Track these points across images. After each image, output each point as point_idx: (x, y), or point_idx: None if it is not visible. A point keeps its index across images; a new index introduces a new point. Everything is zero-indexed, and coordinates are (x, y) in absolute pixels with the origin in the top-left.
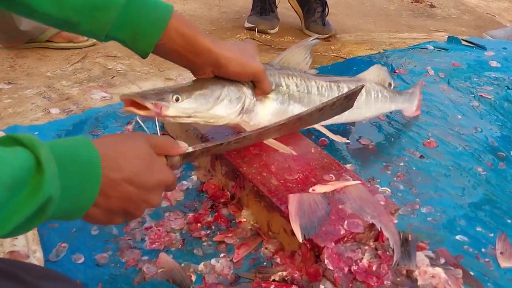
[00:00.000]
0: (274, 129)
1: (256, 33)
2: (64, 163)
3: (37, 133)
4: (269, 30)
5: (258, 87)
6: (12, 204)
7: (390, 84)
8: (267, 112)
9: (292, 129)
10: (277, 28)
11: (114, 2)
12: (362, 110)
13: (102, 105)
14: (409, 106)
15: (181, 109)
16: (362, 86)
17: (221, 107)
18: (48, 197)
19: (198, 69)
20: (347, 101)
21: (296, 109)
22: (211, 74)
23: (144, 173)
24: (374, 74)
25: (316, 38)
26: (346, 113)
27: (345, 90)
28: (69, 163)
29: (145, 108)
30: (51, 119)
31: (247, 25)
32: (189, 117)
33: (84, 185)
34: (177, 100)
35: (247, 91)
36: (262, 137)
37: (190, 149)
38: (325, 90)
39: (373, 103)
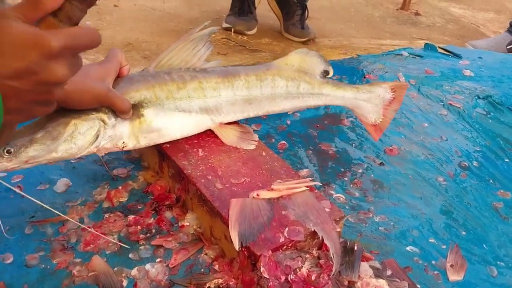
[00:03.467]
0: None
1: (232, 33)
2: None
3: None
4: (246, 31)
5: (114, 109)
6: None
7: (325, 72)
8: (149, 127)
9: None
10: (255, 30)
11: None
12: (279, 101)
13: None
14: (363, 111)
15: (16, 161)
16: None
17: (67, 145)
18: None
19: None
20: None
21: (185, 118)
22: None
23: (14, 55)
24: (295, 60)
25: (212, 28)
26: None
27: (242, 85)
28: None
29: None
30: None
31: (224, 25)
32: (32, 164)
33: None
34: (8, 152)
35: (101, 116)
36: None
37: None
38: (217, 89)
39: (290, 94)
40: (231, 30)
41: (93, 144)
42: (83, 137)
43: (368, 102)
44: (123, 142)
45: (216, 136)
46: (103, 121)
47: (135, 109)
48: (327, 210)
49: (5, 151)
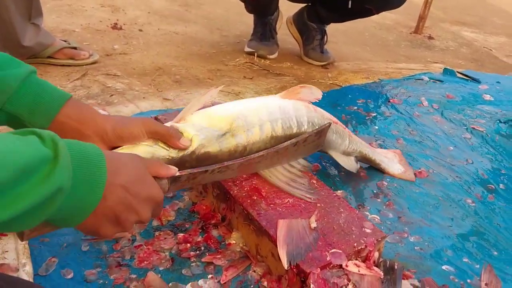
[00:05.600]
0: (254, 160)
1: (255, 57)
2: (76, 160)
3: None
4: (268, 56)
5: (167, 140)
6: (23, 187)
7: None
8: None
9: (270, 163)
10: (276, 54)
11: (12, 77)
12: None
13: None
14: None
15: None
16: (330, 124)
17: None
18: (59, 186)
19: (85, 142)
20: (317, 137)
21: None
22: (100, 145)
23: (138, 183)
24: None
25: (219, 88)
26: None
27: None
28: (80, 161)
29: None
30: None
31: (247, 49)
32: None
33: (91, 186)
34: None
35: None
36: (245, 168)
37: (178, 173)
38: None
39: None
40: (253, 55)
41: None
42: None
43: None
44: None
45: None
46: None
47: None
48: (368, 231)
49: None
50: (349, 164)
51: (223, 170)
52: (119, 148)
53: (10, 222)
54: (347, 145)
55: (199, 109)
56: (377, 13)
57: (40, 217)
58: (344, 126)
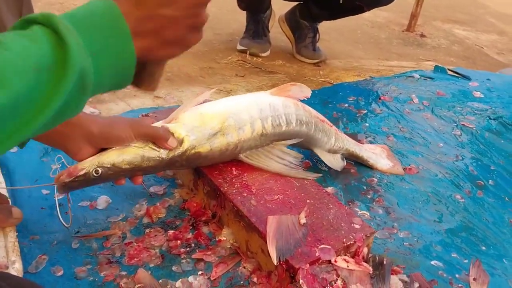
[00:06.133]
0: None
1: (247, 55)
2: (85, 28)
3: None
4: (260, 54)
5: (156, 141)
6: (46, 86)
7: None
8: None
9: None
10: (268, 52)
11: None
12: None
13: None
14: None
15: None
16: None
17: None
18: (80, 69)
19: (72, 145)
20: None
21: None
22: (86, 148)
23: None
24: None
25: (211, 91)
26: None
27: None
28: (89, 25)
29: None
30: None
31: (239, 47)
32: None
33: (116, 40)
34: (96, 173)
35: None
36: None
37: None
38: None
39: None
40: (245, 52)
41: None
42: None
43: None
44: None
45: None
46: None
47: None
48: (357, 226)
49: (94, 172)
50: (335, 162)
51: None
52: (108, 150)
53: (52, 121)
54: (333, 143)
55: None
56: (368, 9)
57: (80, 104)
58: (331, 124)
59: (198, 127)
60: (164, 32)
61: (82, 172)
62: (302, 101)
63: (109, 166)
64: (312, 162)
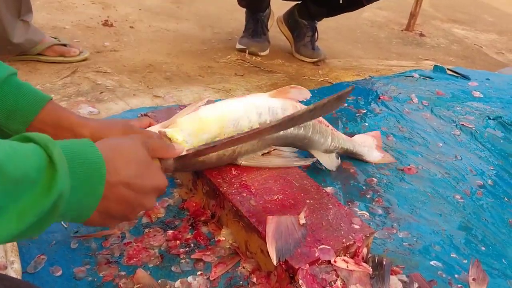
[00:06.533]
0: (266, 130)
1: (246, 54)
2: (73, 164)
3: None
4: (259, 52)
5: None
6: (25, 200)
7: None
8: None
9: (285, 127)
10: (267, 51)
11: None
12: None
13: None
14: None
15: None
16: (353, 87)
17: None
18: (60, 193)
19: None
20: (337, 101)
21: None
22: None
23: (141, 176)
24: None
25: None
26: None
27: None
28: (77, 164)
29: None
30: None
31: (238, 46)
32: None
33: (91, 187)
34: None
35: None
36: (255, 136)
37: (184, 152)
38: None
39: None
40: (245, 51)
41: None
42: None
43: None
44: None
45: None
46: None
47: None
48: (357, 227)
49: None
50: (330, 162)
51: (232, 142)
52: None
53: (18, 235)
54: (329, 143)
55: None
56: (367, 3)
57: (46, 224)
58: (327, 124)
59: (196, 133)
60: (111, 203)
61: None
62: (302, 101)
63: None
64: (311, 162)
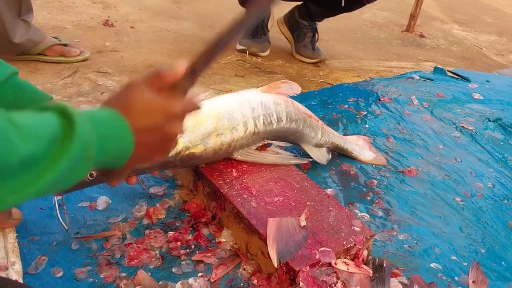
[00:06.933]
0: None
1: (247, 55)
2: (94, 119)
3: None
4: (260, 53)
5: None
6: (52, 153)
7: None
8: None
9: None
10: (268, 51)
11: None
12: None
13: None
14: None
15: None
16: None
17: None
18: (84, 142)
19: None
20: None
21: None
22: None
23: (156, 119)
24: None
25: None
26: None
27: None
28: (97, 120)
29: None
30: None
31: (238, 47)
32: None
33: (119, 131)
34: (91, 176)
35: None
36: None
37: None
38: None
39: None
40: (245, 52)
41: None
42: None
43: None
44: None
45: None
46: None
47: None
48: (357, 229)
49: (88, 175)
50: (321, 156)
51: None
52: None
53: (52, 185)
54: (319, 138)
55: None
56: (367, 3)
57: (85, 168)
58: (318, 119)
59: (192, 128)
60: (139, 148)
61: None
62: (303, 103)
63: None
64: (312, 164)
